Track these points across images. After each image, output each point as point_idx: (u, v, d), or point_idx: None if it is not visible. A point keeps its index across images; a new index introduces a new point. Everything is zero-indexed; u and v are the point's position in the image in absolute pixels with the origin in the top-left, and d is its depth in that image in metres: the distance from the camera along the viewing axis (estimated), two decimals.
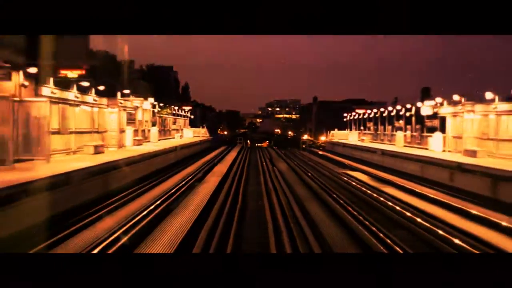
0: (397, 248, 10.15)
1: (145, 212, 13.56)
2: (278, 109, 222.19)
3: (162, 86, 68.12)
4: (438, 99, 29.03)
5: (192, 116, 61.21)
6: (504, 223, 12.87)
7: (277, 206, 15.16)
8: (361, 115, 50.90)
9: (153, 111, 39.16)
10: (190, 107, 60.09)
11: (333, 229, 12.39)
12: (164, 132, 44.45)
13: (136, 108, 30.70)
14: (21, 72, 16.12)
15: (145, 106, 33.19)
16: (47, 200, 11.91)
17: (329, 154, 46.49)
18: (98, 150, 22.07)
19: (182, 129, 53.01)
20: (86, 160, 18.03)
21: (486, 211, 14.70)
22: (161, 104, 40.88)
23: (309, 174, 26.65)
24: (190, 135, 53.76)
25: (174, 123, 50.95)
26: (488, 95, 23.79)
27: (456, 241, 10.96)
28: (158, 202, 15.42)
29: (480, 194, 18.21)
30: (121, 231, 11.26)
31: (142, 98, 31.87)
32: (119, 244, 10.05)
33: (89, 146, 21.75)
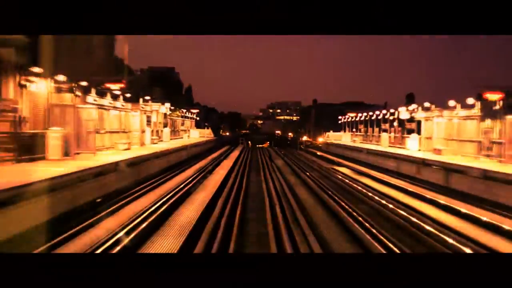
0: (362, 219, 14.66)
1: (175, 191, 18.25)
2: (279, 110, 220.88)
3: (166, 88, 72.43)
4: (414, 105, 33.72)
5: (198, 118, 66.01)
6: (441, 201, 17.50)
7: (272, 189, 19.85)
8: (354, 117, 55.57)
9: (165, 114, 43.85)
10: (197, 110, 64.83)
11: (311, 201, 17.10)
12: (174, 132, 49.13)
13: (153, 111, 35.43)
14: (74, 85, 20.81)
15: (162, 110, 38.01)
16: (118, 175, 17.00)
17: (323, 153, 51.26)
18: (126, 147, 26.73)
19: (189, 130, 57.74)
20: (121, 154, 22.71)
21: (432, 193, 19.38)
22: (172, 108, 45.52)
23: (301, 168, 31.35)
24: (197, 135, 58.45)
25: (182, 124, 55.70)
26: (451, 102, 28.45)
27: (401, 212, 15.58)
28: (183, 185, 20.13)
29: (436, 183, 22.85)
30: (169, 195, 16.24)
31: (160, 103, 36.65)
32: (167, 205, 14.87)
33: (120, 144, 26.41)
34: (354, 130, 56.08)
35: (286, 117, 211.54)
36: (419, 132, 34.43)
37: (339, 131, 61.89)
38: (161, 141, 39.53)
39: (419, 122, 34.77)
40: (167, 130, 41.58)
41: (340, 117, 62.46)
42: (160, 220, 12.96)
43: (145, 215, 13.36)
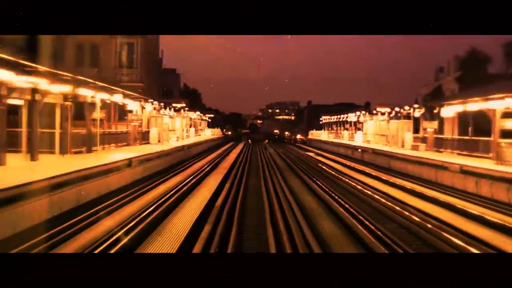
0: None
1: (212, 161, 35.77)
2: (278, 110, 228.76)
3: (172, 90, 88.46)
4: (358, 113, 51.40)
5: (210, 120, 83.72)
6: (347, 163, 34.94)
7: (264, 162, 37.44)
8: (329, 119, 73.24)
9: (190, 117, 61.42)
10: (212, 115, 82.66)
11: (283, 165, 34.69)
12: (195, 131, 66.81)
13: (187, 117, 53.12)
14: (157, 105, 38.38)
15: (193, 116, 55.72)
16: (185, 152, 34.37)
17: (305, 146, 69.09)
18: (176, 139, 44.30)
19: (204, 129, 75.43)
20: (177, 143, 40.18)
21: (348, 161, 36.91)
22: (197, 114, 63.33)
23: (285, 154, 48.99)
24: (209, 133, 76.08)
25: (200, 125, 73.36)
26: (375, 111, 46.06)
27: (330, 171, 32.99)
28: (216, 159, 37.72)
29: (357, 158, 40.40)
30: (210, 162, 33.70)
31: (192, 111, 54.31)
32: (212, 164, 32.51)
33: (173, 137, 43.95)
34: (330, 129, 73.77)
35: (284, 116, 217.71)
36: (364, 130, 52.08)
37: (321, 130, 79.62)
38: (189, 137, 57.11)
39: (363, 123, 52.46)
40: (193, 130, 59.21)
41: (321, 119, 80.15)
42: (212, 168, 30.49)
43: (205, 166, 30.83)
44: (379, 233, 11.75)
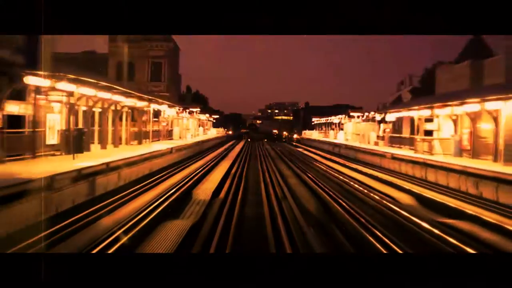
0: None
1: (221, 153, 46.23)
2: (277, 111, 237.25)
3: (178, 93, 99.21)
4: (340, 116, 62.04)
5: (214, 120, 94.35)
6: (326, 155, 45.41)
7: (262, 155, 47.90)
8: (319, 120, 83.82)
9: (199, 118, 71.90)
10: (217, 116, 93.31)
11: (276, 155, 45.23)
12: (203, 130, 77.27)
13: (198, 118, 63.71)
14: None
15: (203, 117, 66.25)
16: (199, 146, 44.94)
17: (297, 144, 79.80)
18: (191, 136, 54.78)
19: (210, 129, 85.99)
20: (192, 139, 50.65)
21: (326, 154, 47.44)
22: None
23: (279, 149, 59.56)
24: (214, 132, 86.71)
25: (206, 124, 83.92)
26: (352, 115, 56.61)
27: (309, 160, 43.52)
28: (223, 152, 48.23)
29: (336, 152, 50.89)
30: (221, 153, 44.24)
31: (203, 114, 64.79)
32: (223, 155, 43.12)
33: (188, 135, 54.43)
34: (320, 129, 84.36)
35: (283, 117, 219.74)
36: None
37: (313, 130, 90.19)
38: (198, 135, 67.59)
39: (344, 125, 63.03)
40: (201, 129, 69.76)
41: (312, 120, 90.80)
42: (223, 157, 40.91)
43: (217, 156, 41.23)
44: (318, 182, 22.36)
